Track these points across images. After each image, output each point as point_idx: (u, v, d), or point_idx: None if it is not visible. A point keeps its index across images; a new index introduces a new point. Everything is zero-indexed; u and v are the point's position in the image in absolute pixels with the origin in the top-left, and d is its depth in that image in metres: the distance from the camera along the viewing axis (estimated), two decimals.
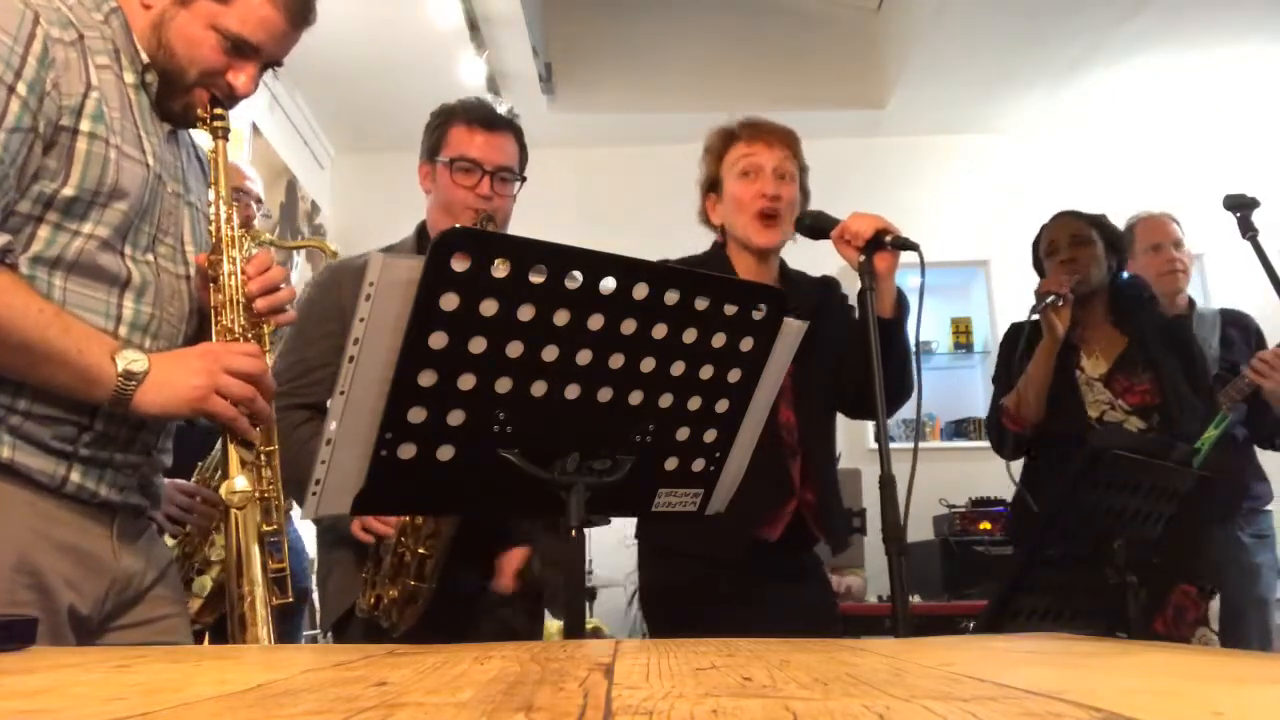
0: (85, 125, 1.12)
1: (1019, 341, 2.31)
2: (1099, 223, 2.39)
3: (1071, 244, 2.35)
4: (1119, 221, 2.84)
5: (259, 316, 1.25)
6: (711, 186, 1.88)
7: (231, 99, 1.27)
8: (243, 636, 1.15)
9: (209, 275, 1.24)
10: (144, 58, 1.22)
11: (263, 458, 1.22)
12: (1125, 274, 2.47)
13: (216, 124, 1.26)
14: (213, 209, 1.27)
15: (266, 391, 1.20)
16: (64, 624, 1.12)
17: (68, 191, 1.10)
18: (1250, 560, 2.65)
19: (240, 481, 1.18)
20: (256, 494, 1.20)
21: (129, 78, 1.20)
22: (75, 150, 1.11)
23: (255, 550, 1.18)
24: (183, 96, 1.24)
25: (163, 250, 1.23)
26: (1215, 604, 2.65)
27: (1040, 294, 2.25)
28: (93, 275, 1.14)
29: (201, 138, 1.33)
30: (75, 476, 1.14)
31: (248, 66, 1.25)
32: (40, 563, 1.10)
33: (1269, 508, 2.69)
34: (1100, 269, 2.33)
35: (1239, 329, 2.83)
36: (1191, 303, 2.80)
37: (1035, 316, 2.26)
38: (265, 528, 1.20)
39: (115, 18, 1.20)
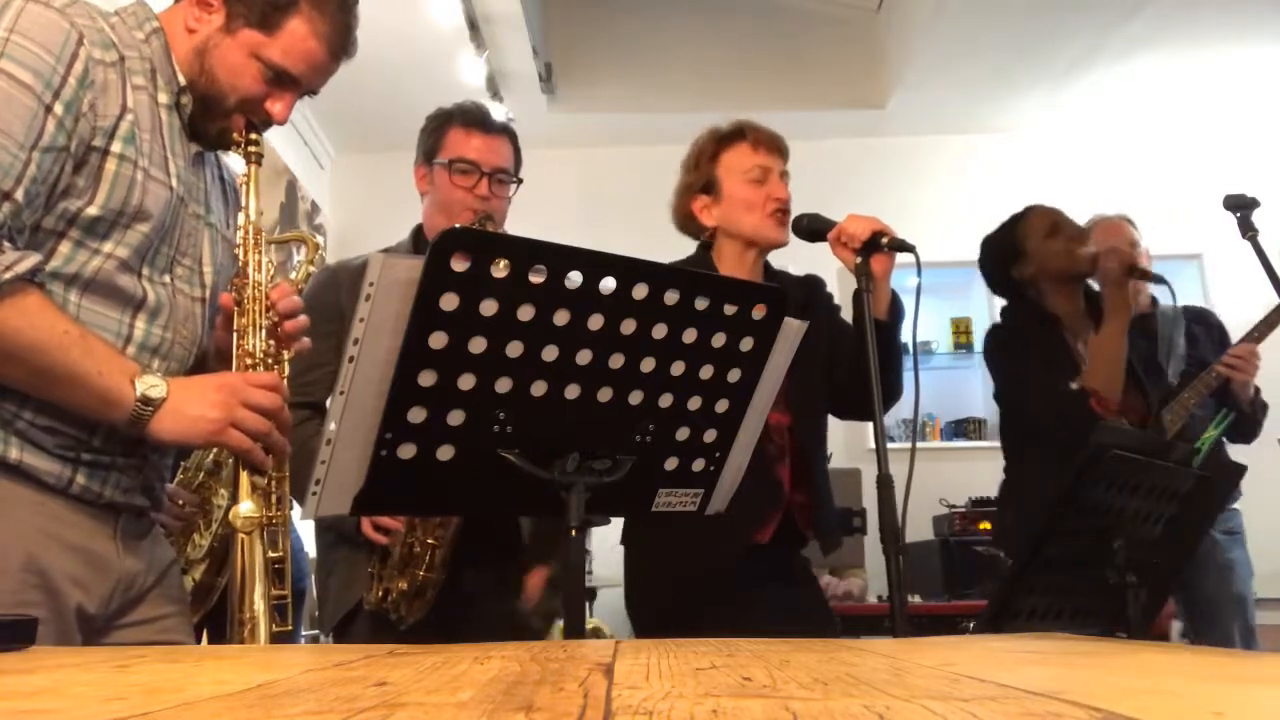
0: (116, 147, 1.13)
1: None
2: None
3: (1078, 230, 2.35)
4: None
5: (283, 341, 1.26)
6: (704, 189, 1.85)
7: (266, 125, 1.28)
8: None
9: (234, 299, 1.25)
10: (180, 80, 1.23)
11: (273, 484, 1.22)
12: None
13: (251, 149, 1.27)
14: (241, 233, 1.27)
15: (284, 426, 1.21)
16: (71, 624, 1.12)
17: (92, 211, 1.11)
18: (1224, 557, 2.64)
19: (246, 506, 1.18)
20: (264, 520, 1.20)
21: (163, 98, 1.21)
22: (104, 171, 1.12)
23: (259, 577, 1.18)
24: (220, 121, 1.25)
25: (180, 272, 1.24)
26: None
27: (1130, 266, 2.20)
28: (108, 295, 1.15)
29: (233, 160, 1.35)
30: (81, 479, 1.14)
31: (286, 96, 1.26)
32: (48, 563, 1.10)
33: (1236, 505, 2.68)
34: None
35: (1203, 326, 2.84)
36: (1154, 300, 2.81)
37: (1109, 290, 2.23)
38: (270, 554, 1.20)
39: (156, 38, 1.22)
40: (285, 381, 1.24)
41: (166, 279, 1.21)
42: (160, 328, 1.20)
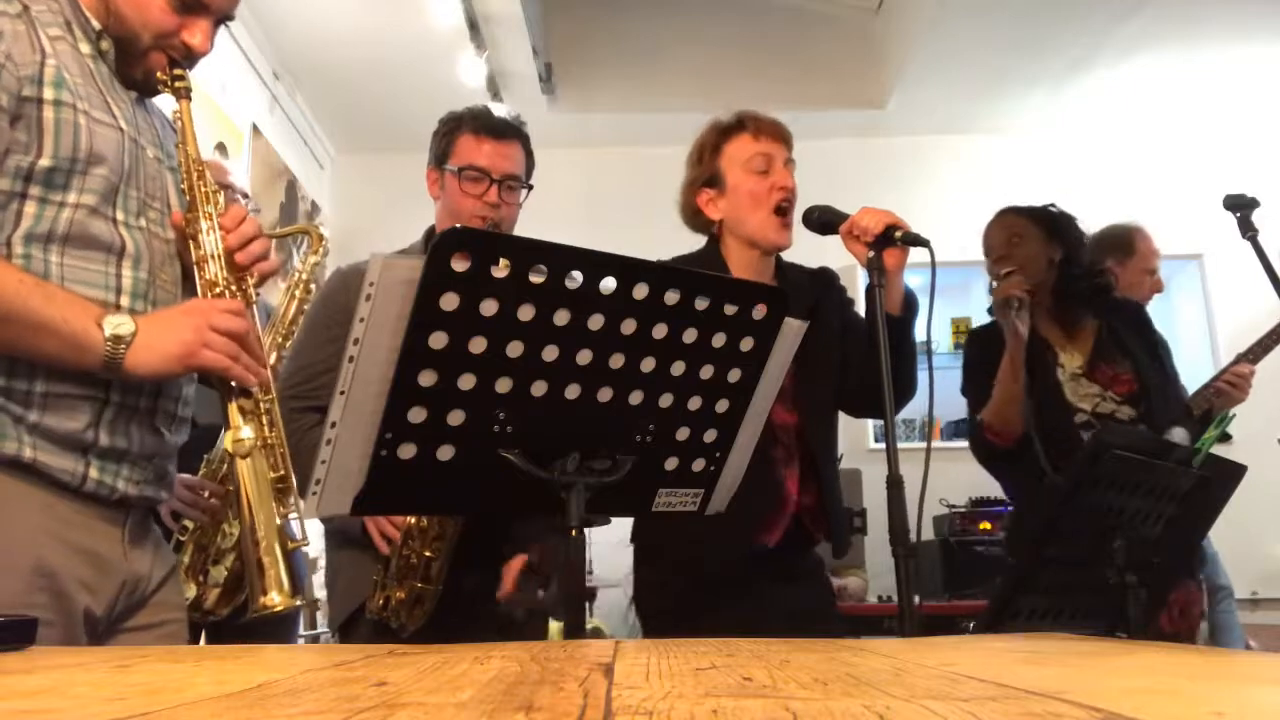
0: (49, 94, 1.11)
1: (990, 348, 2.20)
2: (1039, 215, 2.32)
3: (1007, 243, 2.29)
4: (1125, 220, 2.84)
5: (241, 270, 1.25)
6: (709, 182, 1.83)
7: (190, 59, 1.26)
8: (262, 582, 1.14)
9: (187, 234, 1.24)
10: (96, 25, 1.21)
11: (262, 406, 1.21)
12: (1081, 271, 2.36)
13: (178, 85, 1.25)
14: (183, 168, 1.26)
15: (251, 349, 1.19)
16: (79, 626, 1.12)
17: (44, 162, 1.10)
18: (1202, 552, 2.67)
19: (245, 431, 1.18)
20: (260, 442, 1.19)
21: (85, 48, 1.20)
22: (43, 120, 1.10)
23: (266, 495, 1.16)
24: (141, 63, 1.24)
25: (152, 215, 1.23)
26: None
27: (1000, 300, 2.14)
28: (88, 245, 1.14)
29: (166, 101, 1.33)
30: (94, 473, 1.14)
31: (201, 23, 1.24)
32: (56, 566, 1.10)
33: None
34: (1038, 265, 2.26)
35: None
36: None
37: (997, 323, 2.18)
38: (272, 474, 1.18)
39: None
40: (252, 308, 1.23)
41: (142, 223, 1.21)
42: (145, 273, 1.19)
